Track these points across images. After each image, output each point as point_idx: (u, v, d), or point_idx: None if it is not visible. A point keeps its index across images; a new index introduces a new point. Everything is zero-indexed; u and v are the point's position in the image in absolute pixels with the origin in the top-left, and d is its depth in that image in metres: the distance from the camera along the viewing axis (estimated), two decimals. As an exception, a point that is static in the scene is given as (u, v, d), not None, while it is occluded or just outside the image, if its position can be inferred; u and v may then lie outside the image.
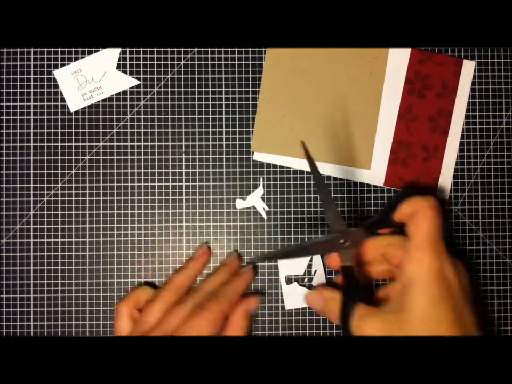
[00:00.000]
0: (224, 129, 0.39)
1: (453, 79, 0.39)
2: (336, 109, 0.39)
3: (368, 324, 0.30)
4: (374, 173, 0.39)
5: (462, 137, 0.39)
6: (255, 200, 0.38)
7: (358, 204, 0.39)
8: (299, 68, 0.39)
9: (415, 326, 0.29)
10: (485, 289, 0.39)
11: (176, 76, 0.39)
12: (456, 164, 0.39)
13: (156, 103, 0.39)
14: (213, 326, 0.33)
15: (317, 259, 0.38)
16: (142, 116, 0.39)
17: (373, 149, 0.39)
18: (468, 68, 0.39)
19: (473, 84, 0.39)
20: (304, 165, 0.39)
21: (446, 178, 0.39)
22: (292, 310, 0.38)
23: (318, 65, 0.39)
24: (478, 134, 0.39)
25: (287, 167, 0.39)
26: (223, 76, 0.39)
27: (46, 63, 0.39)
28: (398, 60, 0.39)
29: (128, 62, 0.39)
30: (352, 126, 0.39)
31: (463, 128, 0.39)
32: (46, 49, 0.39)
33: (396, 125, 0.39)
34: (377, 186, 0.39)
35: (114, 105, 0.39)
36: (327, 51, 0.39)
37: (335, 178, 0.39)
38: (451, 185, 0.39)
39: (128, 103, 0.39)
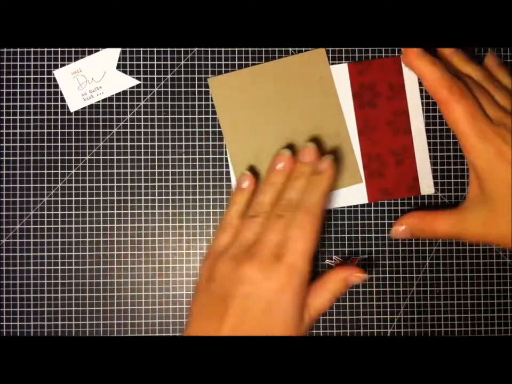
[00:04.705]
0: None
1: (398, 78, 0.39)
2: (307, 136, 0.38)
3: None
4: (355, 194, 0.39)
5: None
6: None
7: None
8: (255, 118, 0.38)
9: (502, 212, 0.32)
10: (485, 289, 0.39)
11: (176, 76, 0.39)
12: (456, 164, 0.39)
13: (155, 103, 0.39)
14: (316, 242, 0.32)
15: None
16: (142, 116, 0.39)
17: (356, 161, 0.39)
18: None
19: (473, 83, 0.39)
20: None
21: (424, 174, 0.39)
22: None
23: (267, 98, 0.38)
24: (478, 134, 0.39)
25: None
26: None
27: (46, 63, 0.39)
28: (341, 77, 0.39)
29: (128, 62, 0.39)
30: (328, 147, 0.39)
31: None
32: (46, 49, 0.39)
33: (359, 141, 0.39)
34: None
35: (114, 105, 0.39)
36: (268, 80, 0.38)
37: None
38: (451, 185, 0.39)
39: (128, 103, 0.39)
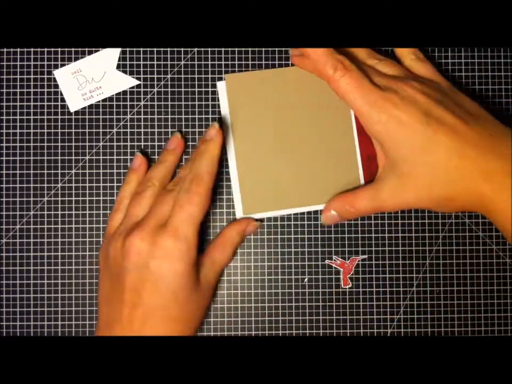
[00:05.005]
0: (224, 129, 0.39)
1: None
2: (314, 150, 0.38)
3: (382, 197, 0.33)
4: None
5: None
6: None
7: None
8: (263, 121, 0.38)
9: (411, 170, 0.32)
10: (485, 289, 0.39)
11: (176, 76, 0.39)
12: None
13: (155, 103, 0.39)
14: (203, 209, 0.33)
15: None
16: (142, 116, 0.39)
17: (360, 179, 0.38)
18: None
19: (473, 83, 0.39)
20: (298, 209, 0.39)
21: None
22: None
23: (282, 113, 0.38)
24: (478, 134, 0.39)
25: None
26: (223, 76, 0.39)
27: (46, 63, 0.39)
28: None
29: (128, 62, 0.39)
30: (334, 160, 0.38)
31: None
32: (46, 49, 0.39)
33: (358, 141, 0.38)
34: None
35: (114, 105, 0.39)
36: (286, 84, 0.38)
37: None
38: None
39: (128, 103, 0.39)
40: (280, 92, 0.38)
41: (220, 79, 0.39)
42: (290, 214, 0.39)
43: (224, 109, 0.39)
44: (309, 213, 0.39)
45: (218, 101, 0.39)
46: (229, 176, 0.39)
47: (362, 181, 0.38)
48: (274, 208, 0.38)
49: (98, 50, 0.39)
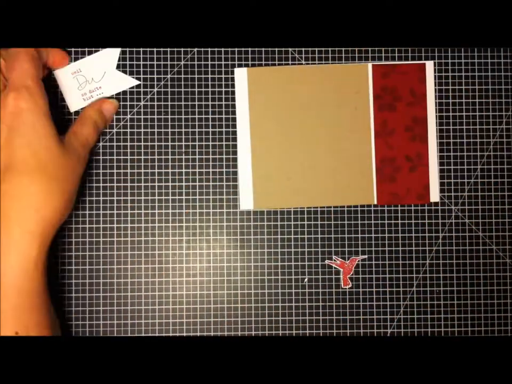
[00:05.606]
0: (224, 129, 0.39)
1: (420, 86, 0.39)
2: (329, 150, 0.39)
3: None
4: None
5: (462, 137, 0.39)
6: None
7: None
8: (282, 117, 0.39)
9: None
10: (485, 289, 0.39)
11: (176, 76, 0.39)
12: (456, 164, 0.39)
13: (155, 103, 0.39)
14: (35, 64, 0.34)
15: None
16: (142, 116, 0.39)
17: (373, 182, 0.39)
18: (429, 69, 0.39)
19: (473, 84, 0.39)
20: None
21: (434, 183, 0.39)
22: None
23: (301, 110, 0.39)
24: (478, 134, 0.39)
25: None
26: (223, 76, 0.39)
27: (46, 63, 0.39)
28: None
29: (128, 62, 0.39)
30: (348, 162, 0.39)
31: (462, 129, 0.39)
32: (46, 49, 0.39)
33: (374, 143, 0.39)
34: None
35: (114, 105, 0.39)
36: (306, 82, 0.39)
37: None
38: (451, 185, 0.39)
39: (128, 103, 0.39)
40: (300, 89, 0.39)
41: (220, 79, 0.39)
42: (290, 212, 0.39)
43: (240, 96, 0.39)
44: (309, 212, 0.39)
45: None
46: (236, 170, 0.39)
47: (374, 184, 0.39)
48: (285, 205, 0.38)
49: (98, 50, 0.39)
